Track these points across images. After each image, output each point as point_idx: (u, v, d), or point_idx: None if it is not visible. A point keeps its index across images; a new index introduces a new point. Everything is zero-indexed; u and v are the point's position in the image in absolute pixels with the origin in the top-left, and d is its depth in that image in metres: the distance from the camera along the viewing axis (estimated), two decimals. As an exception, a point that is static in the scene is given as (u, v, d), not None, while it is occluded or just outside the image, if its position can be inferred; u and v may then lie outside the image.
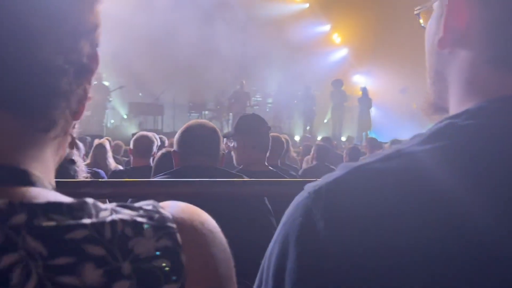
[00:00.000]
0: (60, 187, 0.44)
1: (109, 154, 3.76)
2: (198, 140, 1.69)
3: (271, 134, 2.39)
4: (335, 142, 7.48)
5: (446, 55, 0.50)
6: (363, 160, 0.47)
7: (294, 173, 2.92)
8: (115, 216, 0.39)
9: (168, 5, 9.85)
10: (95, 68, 0.44)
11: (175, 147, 1.75)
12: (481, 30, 0.46)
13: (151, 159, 3.12)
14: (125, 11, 8.30)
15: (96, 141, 3.83)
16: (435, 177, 0.41)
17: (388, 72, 11.92)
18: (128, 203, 0.43)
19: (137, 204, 0.42)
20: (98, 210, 0.39)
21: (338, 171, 0.45)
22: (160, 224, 0.41)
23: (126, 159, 4.74)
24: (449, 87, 0.52)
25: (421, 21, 0.58)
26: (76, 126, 0.46)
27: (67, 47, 0.40)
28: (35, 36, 0.38)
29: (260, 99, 12.52)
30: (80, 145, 3.03)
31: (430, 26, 0.54)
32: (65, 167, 1.58)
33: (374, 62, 12.58)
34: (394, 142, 4.74)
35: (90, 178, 2.54)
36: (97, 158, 3.63)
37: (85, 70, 0.43)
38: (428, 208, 0.40)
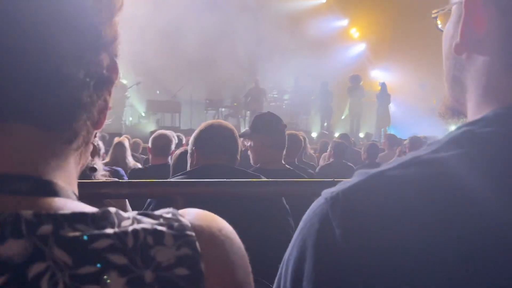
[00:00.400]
0: (81, 188, 0.45)
1: (128, 152, 3.82)
2: (217, 138, 1.69)
3: (289, 132, 2.38)
4: (353, 139, 7.41)
5: (463, 60, 0.50)
6: (375, 166, 0.47)
7: (311, 171, 2.91)
8: (136, 226, 0.40)
9: (184, 1, 9.88)
10: (115, 78, 0.46)
11: (192, 145, 1.74)
12: (498, 36, 0.45)
13: (169, 157, 3.16)
14: (139, 8, 8.37)
15: (116, 139, 3.88)
16: (453, 184, 0.41)
17: (407, 67, 11.74)
18: (149, 211, 0.44)
19: (157, 212, 0.43)
20: (120, 219, 0.40)
21: (355, 178, 0.45)
22: (179, 232, 0.41)
23: (144, 156, 4.80)
24: (466, 92, 0.51)
25: (438, 23, 0.57)
26: (97, 135, 0.48)
27: (88, 61, 0.41)
28: (58, 51, 0.39)
29: (276, 95, 12.45)
30: (100, 143, 3.08)
31: (448, 30, 0.53)
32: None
33: (392, 57, 12.41)
34: (413, 138, 4.68)
35: (110, 176, 2.59)
36: (117, 156, 3.68)
37: (105, 81, 0.44)
38: (447, 215, 0.39)
